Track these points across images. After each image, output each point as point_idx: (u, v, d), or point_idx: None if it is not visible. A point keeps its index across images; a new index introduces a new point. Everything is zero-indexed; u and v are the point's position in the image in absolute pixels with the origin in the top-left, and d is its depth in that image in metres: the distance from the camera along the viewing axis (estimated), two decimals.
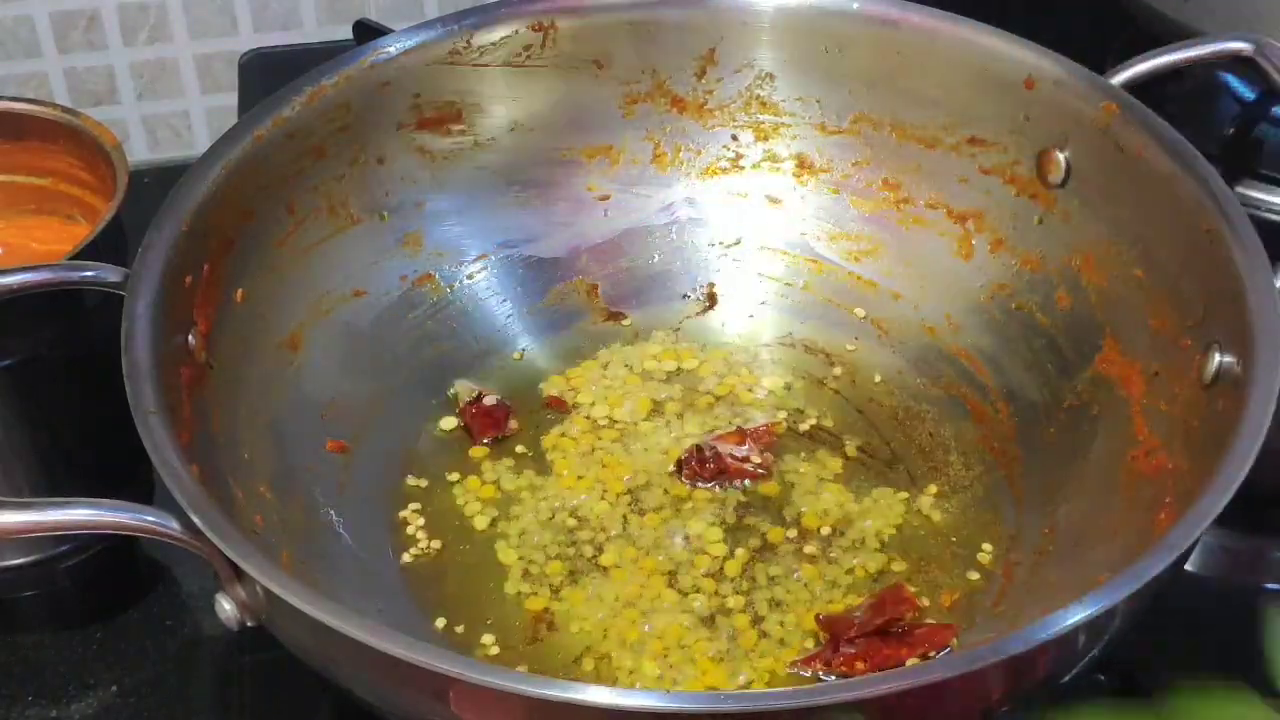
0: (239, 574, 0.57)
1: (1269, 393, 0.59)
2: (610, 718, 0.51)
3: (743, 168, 0.83)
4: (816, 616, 0.67)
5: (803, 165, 0.82)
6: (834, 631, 0.65)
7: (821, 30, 0.80)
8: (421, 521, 0.72)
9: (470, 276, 0.80)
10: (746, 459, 0.74)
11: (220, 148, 0.71)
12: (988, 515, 0.72)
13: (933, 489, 0.73)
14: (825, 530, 0.71)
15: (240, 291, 0.71)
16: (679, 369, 0.79)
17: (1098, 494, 0.68)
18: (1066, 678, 0.57)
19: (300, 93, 0.74)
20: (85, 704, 0.69)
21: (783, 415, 0.77)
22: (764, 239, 0.83)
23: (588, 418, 0.77)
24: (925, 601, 0.68)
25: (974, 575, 0.69)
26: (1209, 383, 0.64)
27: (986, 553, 0.70)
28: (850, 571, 0.69)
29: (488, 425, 0.76)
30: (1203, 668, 0.69)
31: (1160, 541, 0.55)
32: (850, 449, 0.75)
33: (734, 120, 0.82)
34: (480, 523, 0.72)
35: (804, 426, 0.76)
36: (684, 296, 0.82)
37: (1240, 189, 0.87)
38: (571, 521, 0.72)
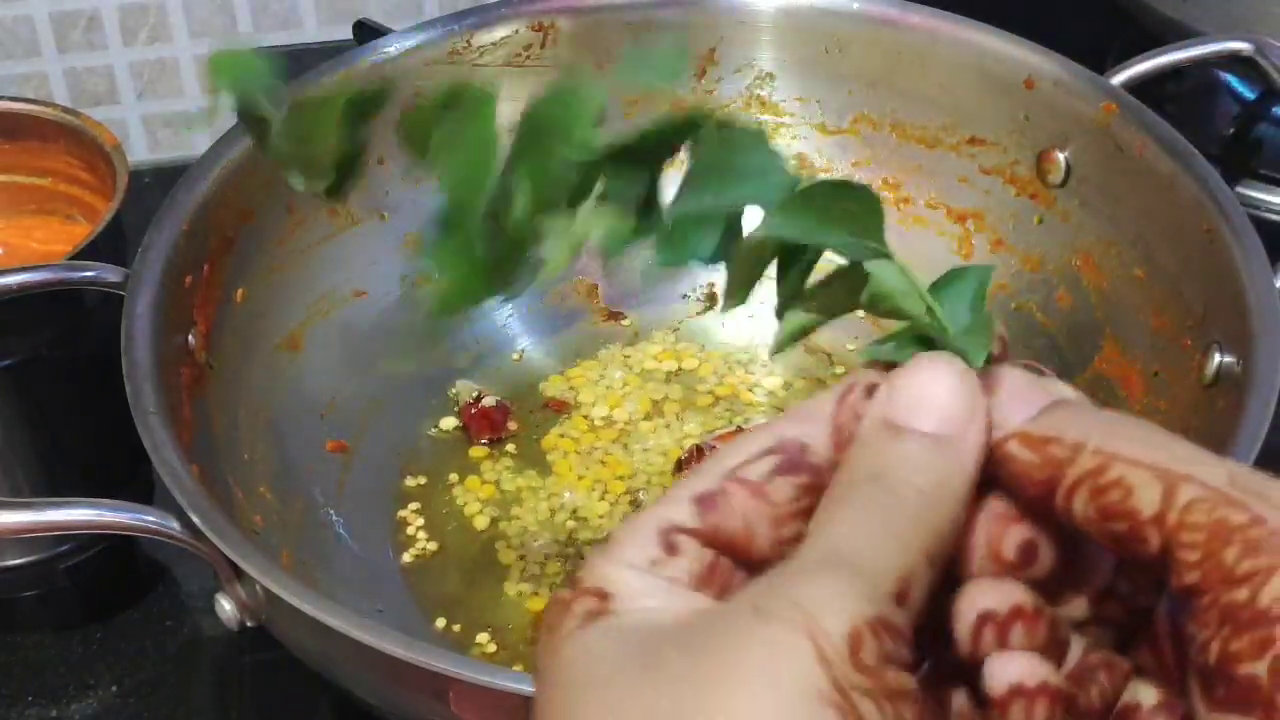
0: (239, 574, 0.57)
1: (1269, 393, 0.59)
2: None
3: None
4: None
5: (803, 165, 0.82)
6: None
7: (821, 30, 0.80)
8: (421, 521, 0.72)
9: None
10: None
11: (220, 148, 0.71)
12: None
13: None
14: None
15: (240, 291, 0.71)
16: (679, 369, 0.79)
17: None
18: None
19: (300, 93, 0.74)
20: (85, 704, 0.69)
21: None
22: None
23: (587, 418, 0.77)
24: None
25: None
26: (1209, 383, 0.64)
27: None
28: None
29: (487, 425, 0.76)
30: None
31: None
32: None
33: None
34: (480, 523, 0.72)
35: None
36: (684, 296, 0.82)
37: (1240, 189, 0.87)
38: (571, 521, 0.72)
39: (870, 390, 0.33)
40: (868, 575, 0.30)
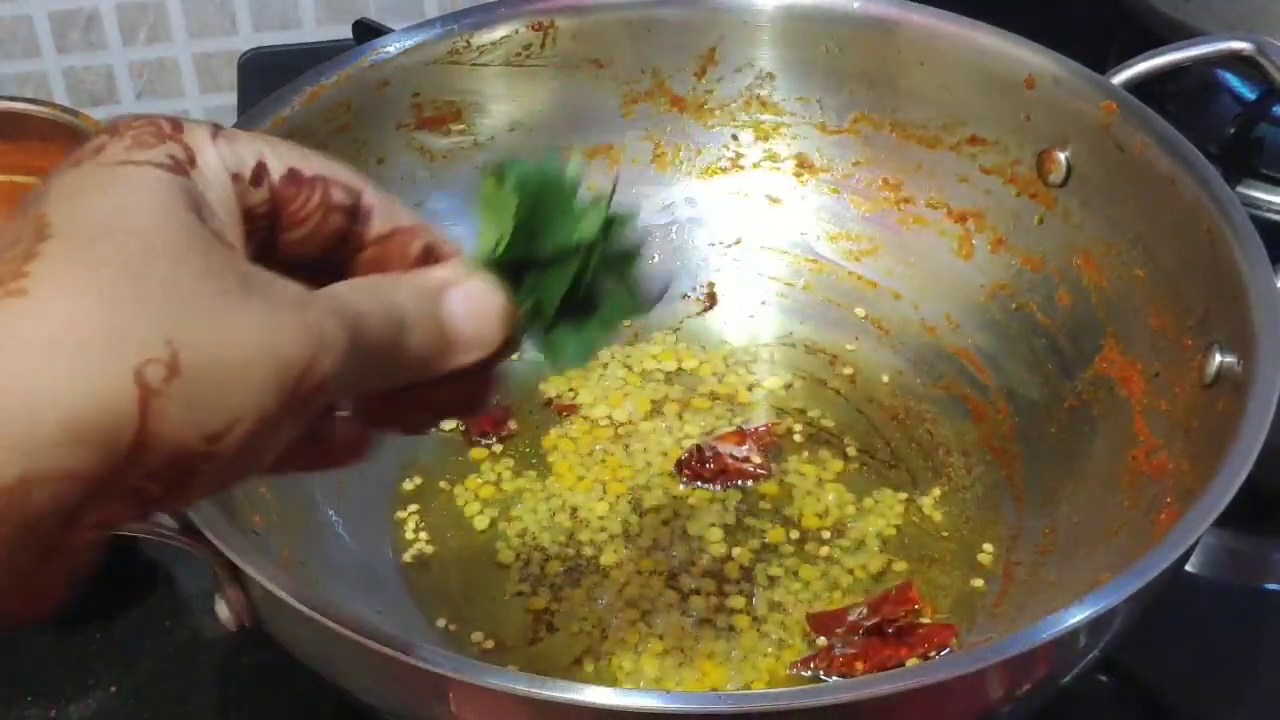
0: (238, 574, 0.57)
1: (1269, 393, 0.59)
2: (610, 718, 0.51)
3: (743, 167, 0.83)
4: (806, 615, 0.66)
5: (803, 165, 0.82)
6: (824, 629, 0.65)
7: (821, 30, 0.80)
8: (421, 522, 0.72)
9: None
10: (746, 459, 0.74)
11: None
12: (988, 515, 0.72)
13: (933, 489, 0.73)
14: (825, 531, 0.71)
15: None
16: (679, 369, 0.79)
17: (1098, 494, 0.68)
18: (1066, 678, 0.57)
19: (300, 93, 0.74)
20: (85, 704, 0.69)
21: (784, 416, 0.77)
22: (764, 239, 0.83)
23: (587, 418, 0.77)
24: (925, 602, 0.68)
25: (974, 576, 0.69)
26: (1209, 383, 0.64)
27: (987, 553, 0.70)
28: (851, 572, 0.69)
29: (487, 425, 0.76)
30: (1203, 668, 0.69)
31: (1160, 541, 0.55)
32: (851, 449, 0.75)
33: (734, 120, 0.82)
34: (480, 523, 0.72)
35: (804, 426, 0.76)
36: (684, 296, 0.82)
37: (1240, 189, 0.87)
38: (571, 522, 0.72)
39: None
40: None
